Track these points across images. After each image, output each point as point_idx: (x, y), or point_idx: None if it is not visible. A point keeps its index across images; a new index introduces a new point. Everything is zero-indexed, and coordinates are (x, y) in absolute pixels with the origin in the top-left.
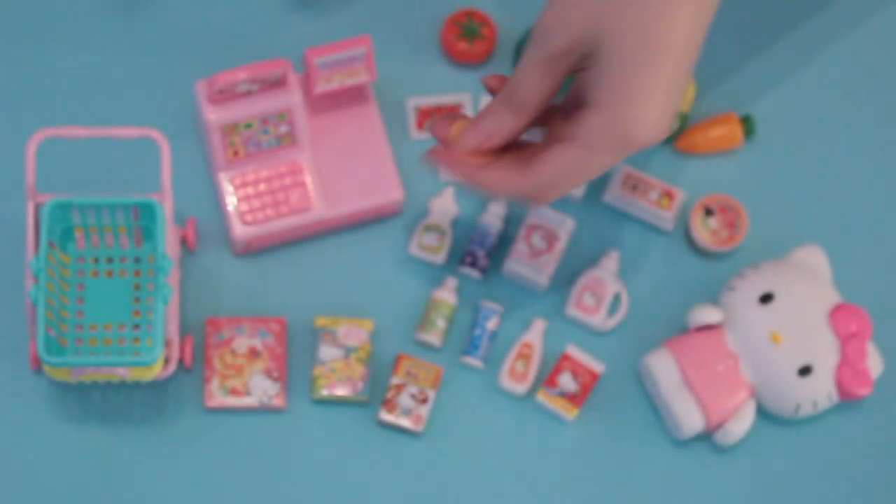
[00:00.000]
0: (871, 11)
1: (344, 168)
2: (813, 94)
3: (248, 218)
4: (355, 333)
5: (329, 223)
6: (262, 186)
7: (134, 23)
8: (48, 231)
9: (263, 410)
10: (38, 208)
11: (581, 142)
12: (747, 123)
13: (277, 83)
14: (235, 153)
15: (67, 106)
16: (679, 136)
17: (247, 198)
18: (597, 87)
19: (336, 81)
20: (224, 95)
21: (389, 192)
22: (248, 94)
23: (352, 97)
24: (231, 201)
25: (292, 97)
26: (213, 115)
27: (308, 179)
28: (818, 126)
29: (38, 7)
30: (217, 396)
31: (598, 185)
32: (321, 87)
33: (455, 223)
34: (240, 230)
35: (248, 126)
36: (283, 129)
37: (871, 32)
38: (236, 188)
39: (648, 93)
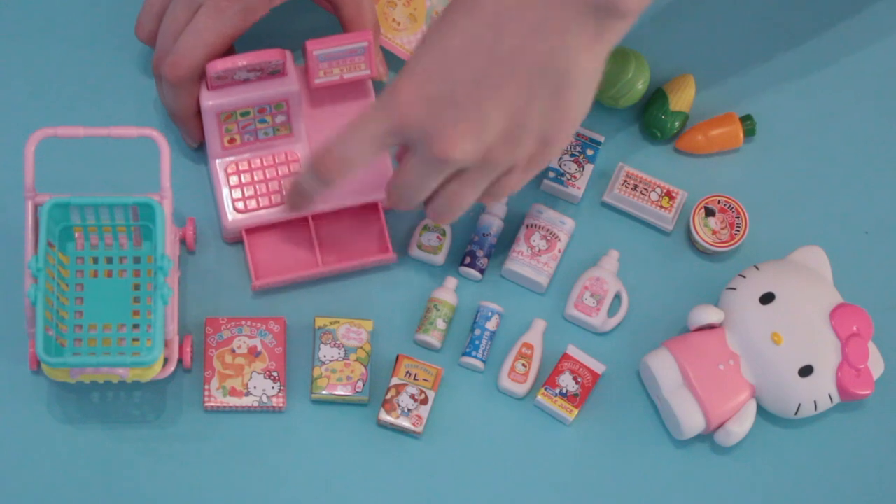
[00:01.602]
0: (872, 11)
1: None
2: (813, 94)
3: (240, 206)
4: (355, 334)
5: (320, 217)
6: (256, 175)
7: (134, 22)
8: (47, 231)
9: (263, 410)
10: (37, 208)
11: (410, 160)
12: (747, 123)
13: (277, 73)
14: (231, 140)
15: (67, 106)
16: (679, 136)
17: (240, 185)
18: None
19: (335, 74)
20: (222, 82)
21: (383, 189)
22: (247, 82)
23: (351, 91)
24: (224, 188)
25: (290, 87)
26: (210, 101)
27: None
28: (818, 126)
29: (38, 7)
30: (216, 396)
31: (599, 185)
32: (320, 80)
33: (455, 223)
34: (231, 217)
35: (245, 114)
36: (280, 119)
37: (871, 32)
38: (230, 175)
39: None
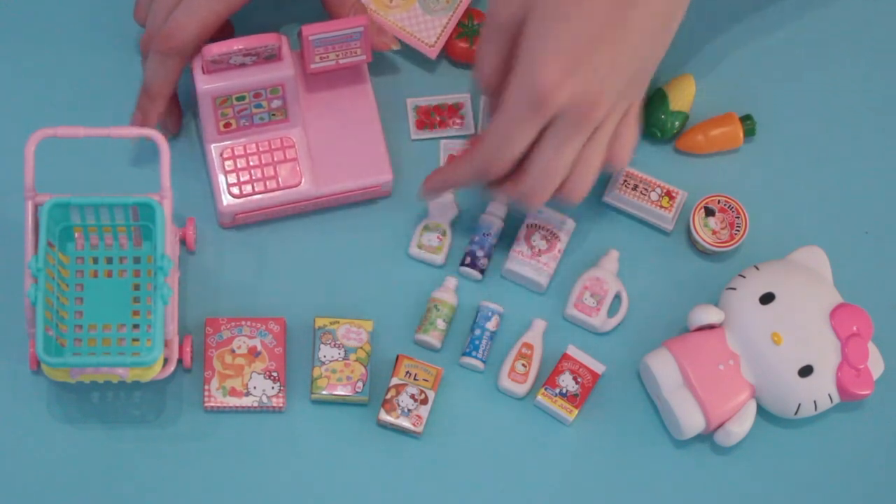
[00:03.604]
0: (872, 12)
1: (335, 147)
2: (813, 94)
3: (236, 190)
4: (355, 334)
5: (317, 201)
6: (251, 160)
7: (133, 22)
8: (47, 231)
9: (263, 411)
10: (37, 208)
11: (504, 103)
12: (747, 123)
13: (272, 57)
14: (227, 125)
15: (67, 106)
16: (679, 136)
17: (235, 170)
18: (520, 48)
19: (331, 59)
20: (218, 66)
21: (379, 173)
22: (242, 66)
23: (347, 77)
24: (219, 173)
25: (286, 72)
26: (206, 85)
27: (298, 155)
28: (818, 126)
29: (38, 7)
30: (216, 397)
31: (599, 185)
32: (316, 65)
33: (455, 223)
34: (226, 202)
35: (241, 98)
36: (276, 103)
37: (871, 33)
38: (225, 160)
39: (555, 44)
